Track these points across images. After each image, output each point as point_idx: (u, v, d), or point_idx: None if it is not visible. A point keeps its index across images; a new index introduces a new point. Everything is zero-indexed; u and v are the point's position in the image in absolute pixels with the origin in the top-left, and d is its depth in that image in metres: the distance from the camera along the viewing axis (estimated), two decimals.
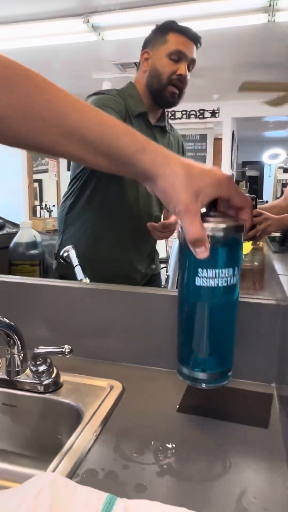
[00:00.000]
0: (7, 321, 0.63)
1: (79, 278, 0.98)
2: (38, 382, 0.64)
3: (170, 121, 1.41)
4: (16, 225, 2.12)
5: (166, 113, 1.34)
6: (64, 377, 0.67)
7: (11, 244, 1.16)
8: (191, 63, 1.21)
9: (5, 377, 0.66)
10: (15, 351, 0.65)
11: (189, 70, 1.21)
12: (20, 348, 0.65)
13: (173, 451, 0.50)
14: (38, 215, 6.45)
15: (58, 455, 0.49)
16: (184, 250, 0.50)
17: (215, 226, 0.48)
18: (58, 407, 0.63)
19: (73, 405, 0.61)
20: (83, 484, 0.42)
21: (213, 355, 0.54)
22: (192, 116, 6.38)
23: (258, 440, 0.53)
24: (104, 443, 0.52)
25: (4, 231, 1.39)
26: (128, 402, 0.62)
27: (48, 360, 0.65)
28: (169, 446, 0.51)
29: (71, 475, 0.46)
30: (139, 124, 1.23)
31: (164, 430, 0.55)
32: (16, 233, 1.19)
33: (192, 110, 6.32)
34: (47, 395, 0.64)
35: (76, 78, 4.76)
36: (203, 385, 0.54)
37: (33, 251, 1.15)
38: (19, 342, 0.65)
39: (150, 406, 0.61)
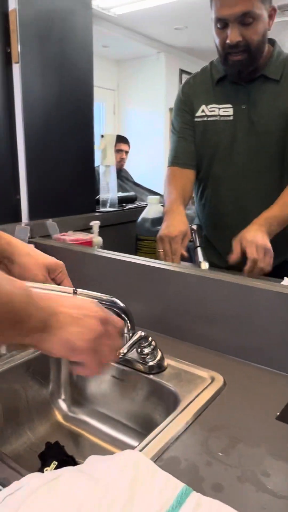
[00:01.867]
0: (121, 304, 0.72)
1: (199, 261, 1.02)
2: (143, 362, 0.73)
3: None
4: (156, 194, 2.22)
5: (273, 57, 1.11)
6: (168, 361, 0.75)
7: (138, 219, 1.26)
8: (243, 19, 0.98)
9: None
10: (125, 330, 0.74)
11: (247, 24, 0.99)
12: (129, 327, 0.74)
13: (261, 459, 0.53)
14: None
15: (148, 436, 0.56)
16: None
17: None
18: (158, 389, 0.70)
19: (172, 390, 0.68)
20: (164, 470, 0.48)
21: None
22: None
23: None
24: (193, 434, 0.57)
25: (135, 204, 1.50)
26: (226, 398, 0.66)
27: (153, 343, 0.73)
28: (258, 453, 0.54)
29: (156, 458, 0.53)
30: (222, 89, 1.17)
31: (257, 435, 0.57)
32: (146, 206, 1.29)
33: None
34: (150, 376, 0.72)
35: None
36: None
37: (159, 227, 1.22)
38: (129, 323, 0.74)
39: (248, 408, 0.64)
